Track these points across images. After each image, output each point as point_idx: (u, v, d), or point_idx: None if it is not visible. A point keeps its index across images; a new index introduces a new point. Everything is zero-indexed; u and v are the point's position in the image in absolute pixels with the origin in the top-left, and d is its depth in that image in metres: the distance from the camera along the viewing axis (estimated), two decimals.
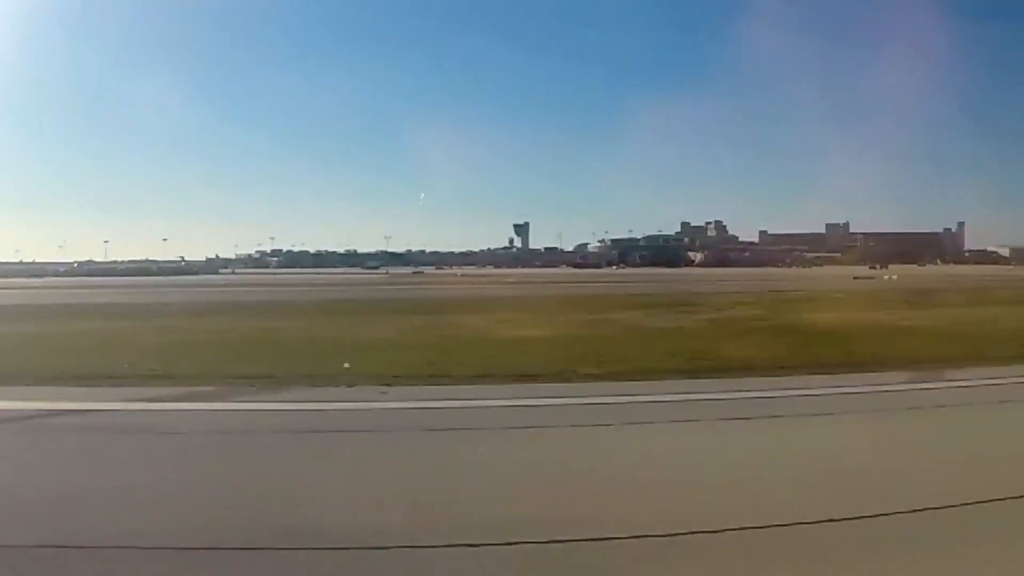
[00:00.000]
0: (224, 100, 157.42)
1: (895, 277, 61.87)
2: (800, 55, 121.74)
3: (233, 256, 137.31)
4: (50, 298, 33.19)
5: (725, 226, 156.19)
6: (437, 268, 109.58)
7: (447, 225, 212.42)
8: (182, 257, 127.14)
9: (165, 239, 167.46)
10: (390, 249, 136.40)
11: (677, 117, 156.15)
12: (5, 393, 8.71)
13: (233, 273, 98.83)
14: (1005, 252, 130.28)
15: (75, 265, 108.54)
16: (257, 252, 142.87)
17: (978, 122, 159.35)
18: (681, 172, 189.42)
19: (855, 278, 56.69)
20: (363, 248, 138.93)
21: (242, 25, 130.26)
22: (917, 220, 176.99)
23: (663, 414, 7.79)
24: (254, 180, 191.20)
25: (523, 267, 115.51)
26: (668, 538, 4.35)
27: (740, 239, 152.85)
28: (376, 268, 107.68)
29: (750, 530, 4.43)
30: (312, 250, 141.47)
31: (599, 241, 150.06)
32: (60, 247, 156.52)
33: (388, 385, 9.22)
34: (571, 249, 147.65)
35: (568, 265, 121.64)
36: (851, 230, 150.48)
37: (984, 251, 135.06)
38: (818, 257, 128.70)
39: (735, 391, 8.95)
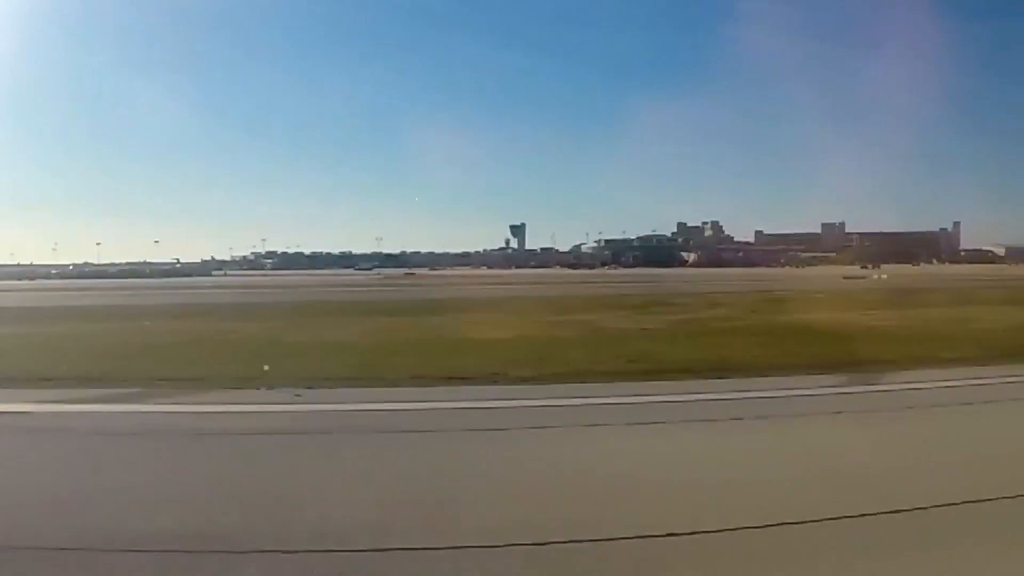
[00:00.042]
0: (220, 102, 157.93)
1: (884, 277, 61.89)
2: (796, 55, 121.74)
3: (228, 258, 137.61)
4: (25, 301, 33.19)
5: (721, 226, 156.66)
6: (431, 269, 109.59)
7: (444, 226, 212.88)
8: (177, 259, 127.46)
9: (156, 241, 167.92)
10: (386, 250, 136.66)
11: (674, 118, 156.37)
12: None
13: (225, 275, 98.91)
14: (1001, 251, 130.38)
15: (70, 268, 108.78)
16: (252, 254, 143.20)
17: (974, 122, 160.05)
18: (678, 172, 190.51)
19: (844, 278, 56.71)
20: (359, 249, 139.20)
21: (237, 27, 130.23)
22: (913, 220, 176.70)
23: (568, 419, 7.69)
24: (250, 182, 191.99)
25: (517, 268, 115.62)
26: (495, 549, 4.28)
27: (736, 239, 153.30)
28: (369, 269, 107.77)
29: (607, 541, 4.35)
30: (307, 252, 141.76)
31: (595, 242, 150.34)
32: (53, 249, 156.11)
33: (310, 388, 9.15)
34: (567, 250, 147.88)
35: (562, 266, 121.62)
36: (847, 230, 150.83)
37: (980, 250, 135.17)
38: (814, 257, 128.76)
39: (644, 395, 8.85)
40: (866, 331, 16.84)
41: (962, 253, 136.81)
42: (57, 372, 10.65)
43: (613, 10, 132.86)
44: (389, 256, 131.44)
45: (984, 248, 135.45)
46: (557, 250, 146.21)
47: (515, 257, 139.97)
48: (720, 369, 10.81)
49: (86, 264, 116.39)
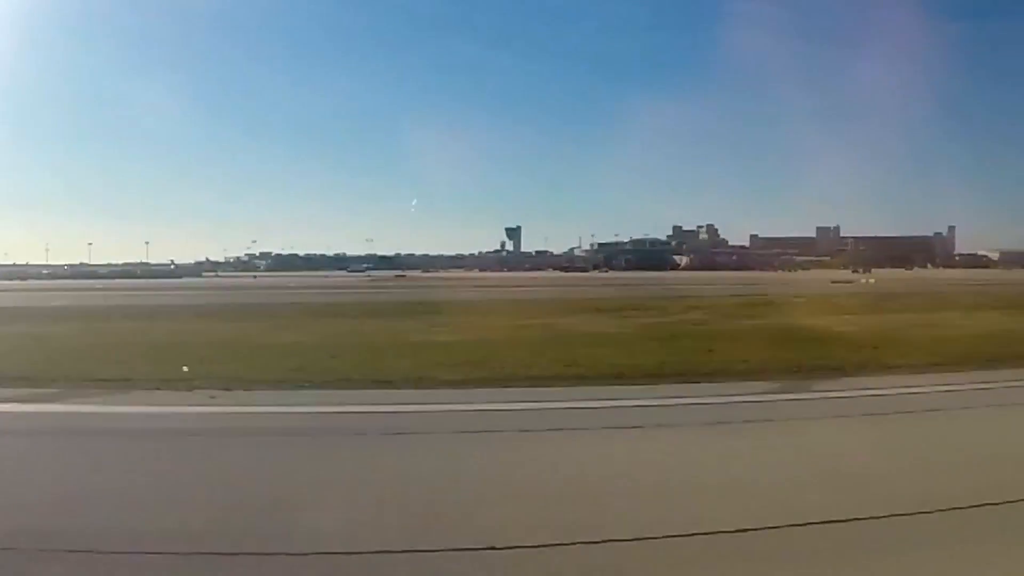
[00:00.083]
0: (214, 103, 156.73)
1: (872, 281, 62.03)
2: (793, 59, 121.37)
3: (222, 259, 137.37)
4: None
5: (716, 230, 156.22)
6: (424, 271, 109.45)
7: (439, 228, 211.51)
8: (172, 260, 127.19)
9: (147, 242, 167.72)
10: (381, 252, 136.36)
11: (670, 121, 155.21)
12: None
13: (216, 276, 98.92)
14: (995, 256, 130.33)
15: (65, 268, 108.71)
16: (246, 255, 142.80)
17: (969, 126, 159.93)
18: (673, 176, 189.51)
19: (832, 282, 56.65)
20: (354, 251, 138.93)
21: (233, 28, 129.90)
22: (908, 224, 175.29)
23: (473, 424, 7.57)
24: (245, 183, 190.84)
25: (510, 270, 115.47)
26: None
27: (732, 243, 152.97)
28: (361, 271, 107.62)
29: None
30: (302, 253, 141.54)
31: (589, 244, 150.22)
32: (46, 249, 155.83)
33: (227, 390, 9.02)
34: (562, 253, 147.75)
35: (555, 269, 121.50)
36: (842, 234, 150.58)
37: (975, 255, 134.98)
38: (807, 261, 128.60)
39: (553, 401, 8.68)
40: (834, 336, 16.70)
41: (956, 258, 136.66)
42: None
43: (607, 13, 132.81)
44: (383, 258, 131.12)
45: (979, 253, 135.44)
46: (552, 253, 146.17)
47: (509, 260, 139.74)
48: (656, 375, 10.66)
49: (81, 264, 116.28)
